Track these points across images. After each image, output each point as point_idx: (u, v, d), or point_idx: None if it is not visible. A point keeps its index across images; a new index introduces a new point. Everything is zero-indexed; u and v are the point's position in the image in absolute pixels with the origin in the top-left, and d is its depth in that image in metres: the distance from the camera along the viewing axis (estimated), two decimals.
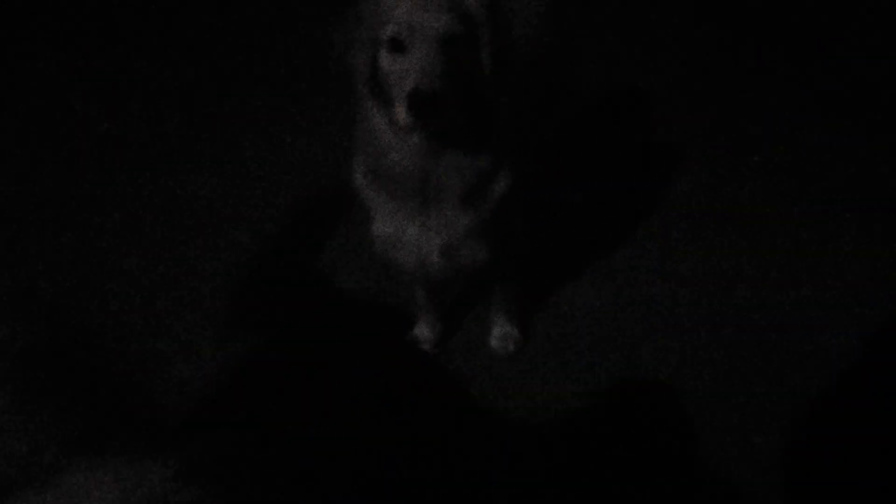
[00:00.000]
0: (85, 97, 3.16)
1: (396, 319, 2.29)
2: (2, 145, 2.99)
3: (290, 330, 2.29)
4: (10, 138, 3.00)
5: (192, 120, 3.04)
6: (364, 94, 1.58)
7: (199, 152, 2.89)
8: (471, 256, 1.79)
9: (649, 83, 3.07)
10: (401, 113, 1.45)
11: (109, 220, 2.64)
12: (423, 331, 2.23)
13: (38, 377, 1.04)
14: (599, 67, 3.03)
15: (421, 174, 1.61)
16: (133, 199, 2.70)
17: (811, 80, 3.06)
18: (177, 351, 2.22)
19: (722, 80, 3.12)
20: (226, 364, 2.17)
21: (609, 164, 2.78)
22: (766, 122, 2.90)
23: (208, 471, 0.99)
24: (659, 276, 2.40)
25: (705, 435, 2.00)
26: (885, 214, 2.52)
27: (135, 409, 1.17)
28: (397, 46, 1.48)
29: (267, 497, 1.15)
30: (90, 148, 2.92)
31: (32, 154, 2.93)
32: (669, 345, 2.22)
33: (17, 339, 1.05)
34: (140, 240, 2.56)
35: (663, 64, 3.19)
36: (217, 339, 2.24)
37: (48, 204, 2.71)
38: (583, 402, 2.10)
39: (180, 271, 2.46)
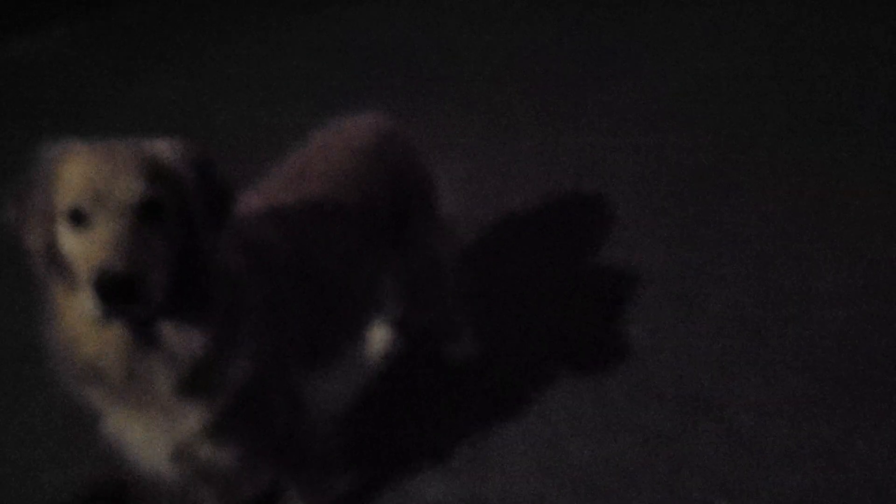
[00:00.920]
0: None
1: None
2: None
3: None
4: None
5: None
6: (46, 278, 1.28)
7: None
8: (213, 459, 1.47)
9: None
10: (87, 300, 1.16)
11: None
12: None
13: None
14: None
15: (125, 367, 1.29)
16: None
17: None
18: None
19: None
20: None
21: None
22: None
23: None
24: None
25: None
26: None
27: None
28: (80, 219, 1.20)
29: None
30: None
31: None
32: None
33: None
34: None
35: None
36: None
37: None
38: None
39: None
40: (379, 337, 2.44)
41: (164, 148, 1.28)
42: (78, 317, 1.26)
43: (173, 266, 1.26)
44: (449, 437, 2.11)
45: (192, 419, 1.39)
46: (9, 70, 5.59)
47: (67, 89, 5.10)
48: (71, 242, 1.20)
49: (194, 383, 1.34)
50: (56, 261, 1.24)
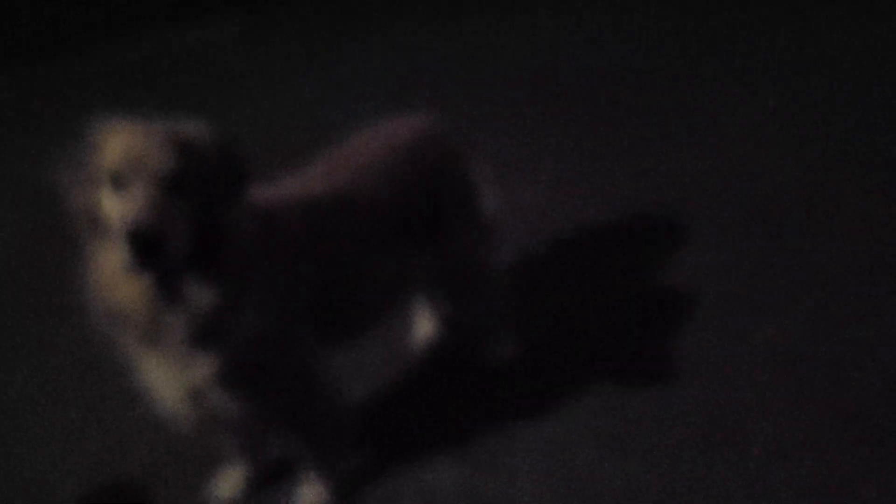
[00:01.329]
0: None
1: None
2: None
3: None
4: None
5: None
6: (90, 232, 1.51)
7: None
8: (221, 405, 1.65)
9: None
10: (120, 252, 1.39)
11: None
12: (221, 484, 2.11)
13: None
14: None
15: (149, 315, 1.50)
16: None
17: None
18: None
19: None
20: None
21: None
22: None
23: None
24: None
25: None
26: None
27: None
28: (118, 184, 1.42)
29: None
30: None
31: None
32: None
33: None
34: None
35: None
36: None
37: None
38: None
39: None
40: (423, 328, 2.56)
41: (192, 130, 1.50)
42: (111, 268, 1.49)
43: (193, 229, 1.47)
44: (464, 429, 2.19)
45: (202, 366, 1.58)
46: (182, 56, 6.25)
47: (225, 76, 5.63)
48: (110, 203, 1.44)
49: (206, 334, 1.54)
50: (95, 220, 1.48)
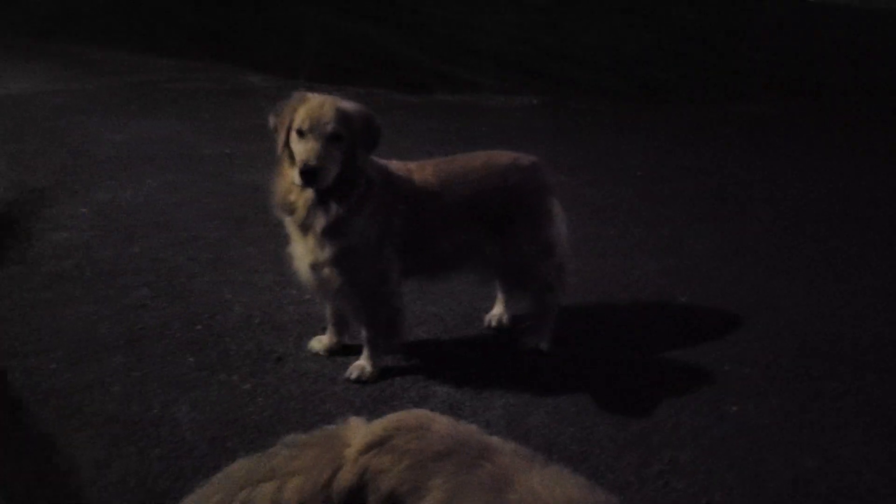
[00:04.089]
0: None
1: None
2: None
3: None
4: None
5: None
6: (281, 156, 2.52)
7: None
8: (329, 278, 2.58)
9: None
10: (295, 176, 2.40)
11: None
12: (321, 339, 2.88)
13: None
14: None
15: (306, 212, 2.50)
16: None
17: None
18: None
19: None
20: None
21: None
22: None
23: None
24: None
25: None
26: None
27: None
28: (301, 134, 2.41)
29: None
30: None
31: None
32: None
33: None
34: None
35: None
36: None
37: None
38: None
39: None
40: (496, 308, 3.15)
41: (350, 105, 2.50)
42: (290, 181, 2.50)
43: (339, 168, 2.44)
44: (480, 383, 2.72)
45: (326, 251, 2.54)
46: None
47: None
48: (295, 145, 2.45)
49: (332, 231, 2.50)
50: (286, 150, 2.50)
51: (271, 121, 2.53)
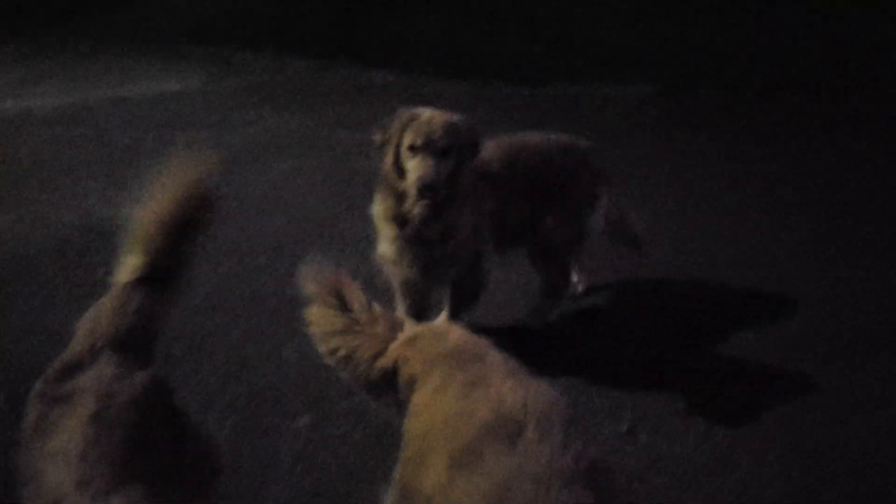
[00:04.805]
0: None
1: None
2: None
3: None
4: None
5: None
6: (389, 170, 2.70)
7: None
8: (441, 273, 2.86)
9: None
10: (412, 190, 2.62)
11: None
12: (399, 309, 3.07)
13: None
14: None
15: (419, 223, 2.71)
16: None
17: None
18: None
19: None
20: None
21: None
22: None
23: None
24: None
25: None
26: None
27: None
28: (414, 150, 2.59)
29: None
30: None
31: None
32: None
33: None
34: None
35: None
36: None
37: None
38: None
39: None
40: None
41: (458, 120, 2.70)
42: (400, 194, 2.72)
43: (448, 179, 2.65)
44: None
45: (437, 253, 2.80)
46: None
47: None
48: (408, 161, 2.64)
49: (445, 235, 2.78)
50: (395, 168, 2.70)
51: (377, 137, 2.71)
